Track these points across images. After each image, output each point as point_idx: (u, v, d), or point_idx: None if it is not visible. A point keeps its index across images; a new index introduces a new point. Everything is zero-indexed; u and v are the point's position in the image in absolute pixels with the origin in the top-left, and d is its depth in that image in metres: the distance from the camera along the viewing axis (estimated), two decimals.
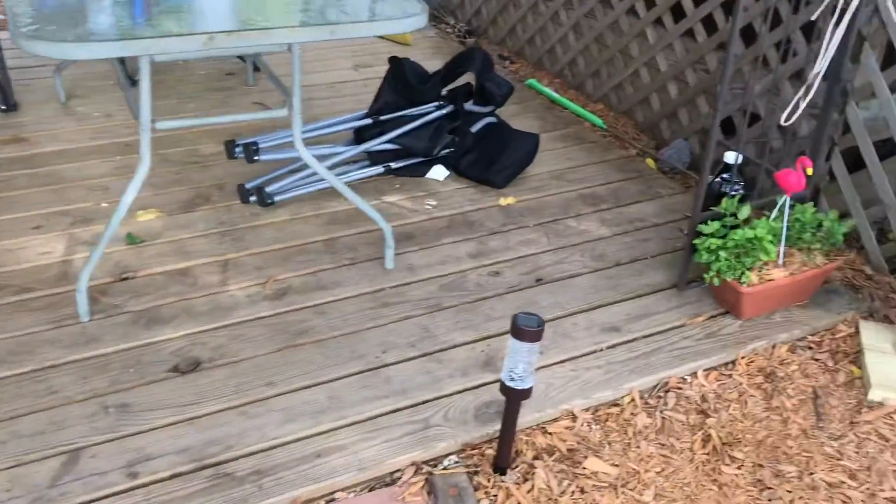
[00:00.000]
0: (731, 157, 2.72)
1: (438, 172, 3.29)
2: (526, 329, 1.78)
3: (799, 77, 2.84)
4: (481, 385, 2.22)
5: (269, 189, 2.94)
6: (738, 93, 3.26)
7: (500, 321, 2.47)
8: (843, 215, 2.96)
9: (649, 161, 3.53)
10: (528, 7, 4.40)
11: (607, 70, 3.96)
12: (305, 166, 2.83)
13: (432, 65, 4.37)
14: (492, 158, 3.26)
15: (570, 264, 2.78)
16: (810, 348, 2.46)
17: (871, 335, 2.46)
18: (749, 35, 3.12)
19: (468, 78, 3.45)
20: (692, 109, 3.51)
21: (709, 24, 3.33)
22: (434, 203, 3.12)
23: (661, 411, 2.22)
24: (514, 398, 1.88)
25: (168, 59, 2.18)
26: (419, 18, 2.19)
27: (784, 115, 2.47)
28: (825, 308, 2.59)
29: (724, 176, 2.75)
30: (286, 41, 2.13)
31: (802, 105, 2.46)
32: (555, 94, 4.10)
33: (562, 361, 2.33)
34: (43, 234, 2.79)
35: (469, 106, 3.39)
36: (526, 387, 1.86)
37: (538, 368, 2.26)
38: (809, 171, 2.40)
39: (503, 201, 3.16)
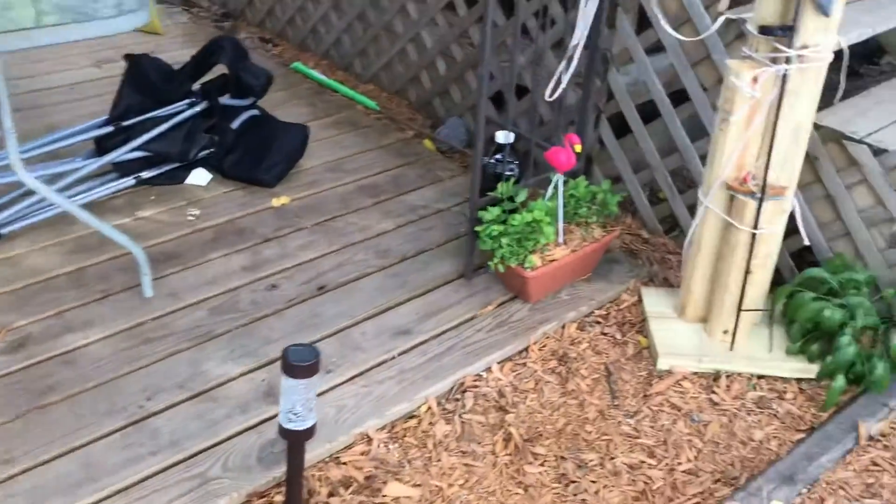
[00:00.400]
0: (501, 136, 2.64)
1: (200, 177, 2.99)
2: (299, 365, 1.58)
3: (561, 46, 2.81)
4: (264, 420, 2.00)
5: None
6: (505, 66, 3.20)
7: (281, 342, 2.25)
8: (617, 180, 3.00)
9: (427, 142, 3.41)
10: None
11: (374, 49, 3.78)
12: None
13: (185, 54, 3.98)
14: (259, 155, 3.00)
15: (353, 266, 2.60)
16: (598, 323, 2.45)
17: (653, 301, 2.49)
18: (509, 5, 3.05)
19: (223, 69, 3.14)
20: (463, 86, 3.42)
21: None
22: (197, 212, 2.82)
23: (460, 415, 2.11)
24: (297, 440, 1.68)
25: None
26: (135, 16, 1.89)
27: (548, 91, 2.41)
28: (608, 279, 2.60)
29: (498, 156, 2.67)
30: None
31: (566, 79, 2.41)
32: (322, 78, 3.87)
33: (352, 378, 2.15)
34: None
35: (225, 100, 3.09)
36: (308, 426, 1.66)
37: (326, 391, 2.08)
38: (578, 147, 2.36)
39: (276, 202, 2.92)
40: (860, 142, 2.30)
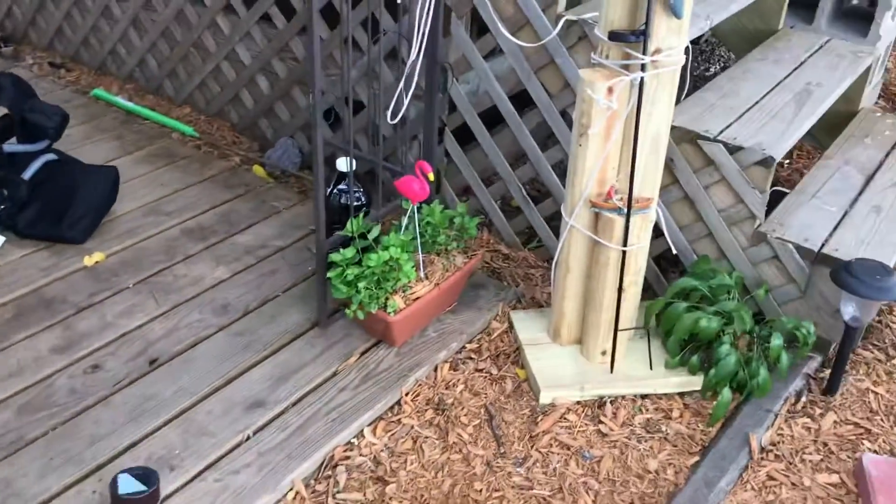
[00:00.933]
0: (343, 163, 2.38)
1: None
2: (133, 499, 1.28)
3: (395, 56, 2.57)
4: None
5: None
6: (334, 79, 2.94)
7: (111, 438, 1.90)
8: (467, 191, 2.83)
9: (257, 168, 3.09)
10: (70, 2, 3.63)
11: (185, 68, 3.40)
12: None
13: None
14: (60, 208, 2.58)
15: (188, 329, 2.27)
16: (471, 359, 2.26)
17: (525, 326, 2.33)
18: (333, 16, 2.78)
19: (4, 111, 2.68)
20: (290, 103, 3.12)
21: (285, 6, 2.93)
22: None
23: (334, 496, 1.85)
24: None
25: None
26: None
27: (390, 113, 2.18)
28: (475, 307, 2.41)
29: (342, 186, 2.41)
30: None
31: (407, 98, 2.18)
32: (129, 104, 3.44)
33: (202, 472, 1.84)
34: None
35: (12, 147, 2.64)
36: None
37: (171, 495, 1.75)
38: (431, 176, 2.15)
39: (89, 260, 2.52)
40: (715, 140, 2.23)
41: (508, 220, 2.74)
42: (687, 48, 2.06)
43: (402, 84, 2.16)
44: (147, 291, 2.41)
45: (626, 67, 1.91)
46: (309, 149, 3.11)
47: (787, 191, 2.85)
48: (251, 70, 3.15)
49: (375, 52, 2.73)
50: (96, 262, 2.52)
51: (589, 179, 2.03)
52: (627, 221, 1.99)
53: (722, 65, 4.21)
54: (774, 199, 2.38)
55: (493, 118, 2.63)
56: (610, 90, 1.91)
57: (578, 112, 1.98)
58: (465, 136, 2.72)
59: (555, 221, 2.66)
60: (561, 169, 2.51)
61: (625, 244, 2.02)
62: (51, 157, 2.71)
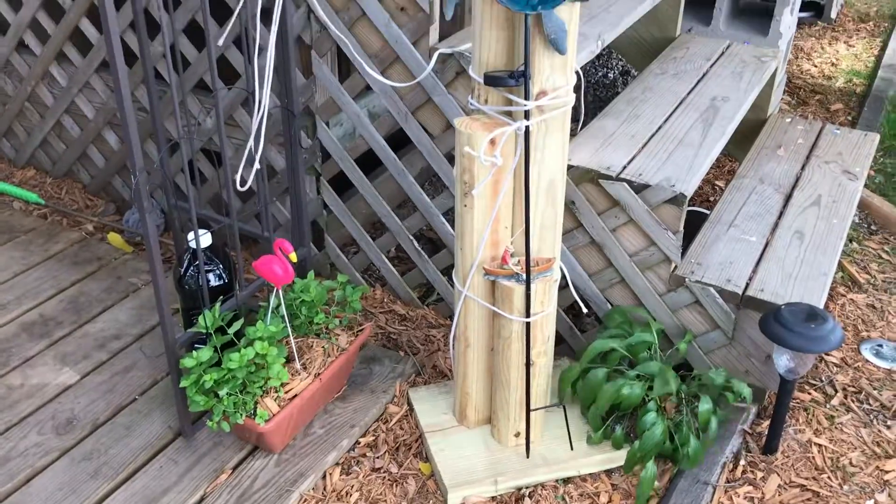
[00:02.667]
0: (192, 238, 2.02)
1: None
2: None
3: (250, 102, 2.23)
4: None
5: None
6: (192, 129, 2.57)
7: None
8: (353, 242, 2.51)
9: (112, 237, 2.70)
10: None
11: (22, 126, 2.97)
12: None
13: None
14: None
15: (22, 458, 1.88)
16: (366, 457, 1.94)
17: (427, 408, 2.03)
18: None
19: None
20: (144, 158, 2.72)
21: (125, 50, 2.54)
22: None
23: None
24: None
25: None
26: None
27: (238, 179, 1.84)
28: (368, 389, 2.10)
29: (195, 267, 2.05)
30: None
31: (256, 161, 1.85)
32: None
33: None
34: None
35: None
36: None
37: None
38: (293, 256, 1.82)
39: None
40: (618, 179, 1.96)
41: (402, 274, 2.44)
42: (577, 73, 1.79)
43: (250, 141, 1.82)
44: None
45: (509, 114, 1.62)
46: (168, 204, 2.73)
47: (702, 210, 2.63)
48: (97, 124, 2.75)
49: (230, 99, 2.38)
50: None
51: (479, 243, 1.73)
52: (528, 289, 1.71)
53: (621, 68, 4.00)
54: (689, 220, 2.14)
55: (374, 160, 2.32)
56: (492, 143, 1.62)
57: (459, 168, 1.68)
58: (345, 184, 2.40)
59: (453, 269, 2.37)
60: (453, 218, 2.23)
61: (528, 314, 1.74)
62: None
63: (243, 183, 1.86)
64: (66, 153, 2.91)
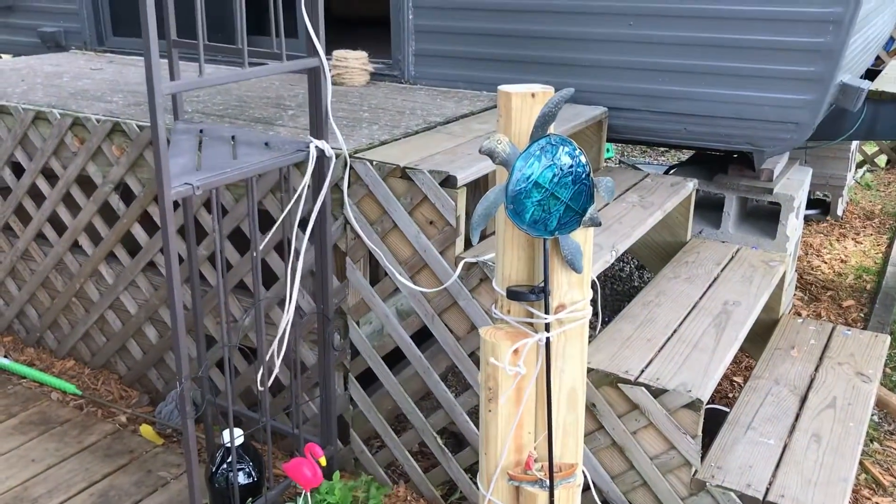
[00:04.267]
0: (226, 436, 2.10)
1: None
2: None
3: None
4: None
5: None
6: (232, 327, 2.71)
7: None
8: (377, 437, 2.56)
9: (144, 429, 2.77)
10: None
11: (67, 319, 3.13)
12: None
13: None
14: None
15: None
16: None
17: None
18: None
19: None
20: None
21: None
22: None
23: None
24: None
25: None
26: None
27: (259, 378, 1.94)
28: None
29: (227, 465, 2.11)
30: None
31: (279, 360, 1.96)
32: (4, 361, 3.13)
33: None
34: None
35: None
36: None
37: None
38: (322, 461, 1.89)
39: None
40: (636, 383, 2.05)
41: (426, 471, 2.47)
42: (594, 284, 1.92)
43: (274, 345, 1.94)
44: None
45: (531, 324, 1.74)
46: (202, 402, 2.82)
47: (721, 408, 2.68)
48: (138, 319, 2.91)
49: (268, 297, 2.54)
50: None
51: (503, 448, 1.80)
52: (552, 496, 1.75)
53: (636, 263, 4.17)
54: (708, 416, 2.18)
55: (399, 355, 2.43)
56: (516, 353, 1.72)
57: (484, 375, 1.78)
58: (371, 378, 2.49)
59: (477, 468, 2.40)
60: (478, 417, 2.29)
61: None
62: None
63: (263, 382, 1.97)
64: (107, 346, 3.04)
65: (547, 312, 1.70)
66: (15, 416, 2.82)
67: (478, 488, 1.90)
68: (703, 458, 2.08)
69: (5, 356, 3.18)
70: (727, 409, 2.50)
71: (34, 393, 2.98)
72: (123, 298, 2.92)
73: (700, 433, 2.01)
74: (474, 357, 2.27)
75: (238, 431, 2.08)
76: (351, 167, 2.26)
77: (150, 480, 2.52)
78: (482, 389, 1.80)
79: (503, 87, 1.66)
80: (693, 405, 1.98)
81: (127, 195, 2.78)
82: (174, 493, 2.46)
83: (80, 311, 3.07)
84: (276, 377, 2.47)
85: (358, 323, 2.44)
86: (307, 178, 1.93)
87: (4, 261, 3.20)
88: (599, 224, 1.68)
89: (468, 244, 2.28)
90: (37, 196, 3.01)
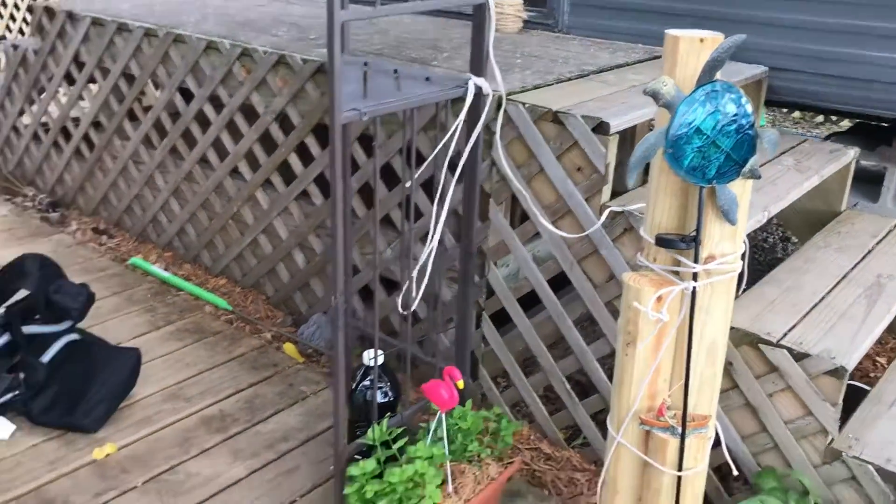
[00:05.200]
0: (367, 357, 2.21)
1: (1, 429, 2.40)
2: None
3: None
4: None
5: None
6: (370, 258, 2.83)
7: None
8: (506, 376, 2.62)
9: (288, 347, 2.95)
10: (117, 172, 3.67)
11: (223, 239, 3.35)
12: None
13: (3, 256, 3.46)
14: (76, 393, 2.45)
15: None
16: None
17: None
18: (368, 194, 2.71)
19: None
20: (325, 279, 3.01)
21: (324, 184, 2.87)
22: None
23: None
24: None
25: None
26: None
27: (400, 303, 2.03)
28: None
29: (368, 381, 2.23)
30: None
31: (420, 291, 2.04)
32: (165, 274, 3.39)
33: None
34: None
35: (35, 328, 2.55)
36: None
37: None
38: (460, 384, 1.97)
39: (98, 453, 2.36)
40: (778, 345, 2.01)
41: (551, 413, 2.52)
42: (745, 241, 1.89)
43: (414, 273, 2.02)
44: (155, 492, 2.22)
45: (676, 273, 1.74)
46: (343, 322, 2.97)
47: (862, 385, 2.58)
48: (288, 245, 3.08)
49: (410, 233, 2.63)
50: (107, 455, 2.36)
51: (638, 393, 1.82)
52: (683, 442, 1.76)
53: (780, 234, 4.03)
54: (849, 394, 2.12)
55: (533, 299, 2.47)
56: (659, 300, 1.73)
57: (624, 319, 1.80)
58: (503, 319, 2.55)
59: (602, 416, 2.44)
60: (608, 365, 2.32)
61: (680, 468, 1.78)
62: (73, 337, 2.62)
63: (406, 308, 2.05)
64: (257, 267, 3.24)
65: (696, 262, 1.69)
66: (173, 324, 3.06)
67: (603, 436, 1.93)
68: (839, 429, 2.03)
69: (166, 269, 3.44)
70: (868, 388, 2.41)
71: (190, 305, 3.21)
72: (276, 223, 3.09)
73: (840, 402, 1.96)
74: (610, 306, 2.29)
75: (381, 352, 2.19)
76: (503, 109, 2.29)
77: (292, 393, 2.69)
78: (621, 333, 1.82)
79: (671, 31, 1.64)
80: (836, 372, 1.93)
81: (286, 125, 2.93)
82: (312, 406, 2.62)
83: (235, 233, 3.27)
84: (414, 311, 2.57)
85: (496, 264, 2.50)
86: (463, 114, 1.98)
87: (170, 181, 3.44)
88: (759, 177, 1.65)
89: (614, 194, 2.28)
90: (203, 122, 3.21)
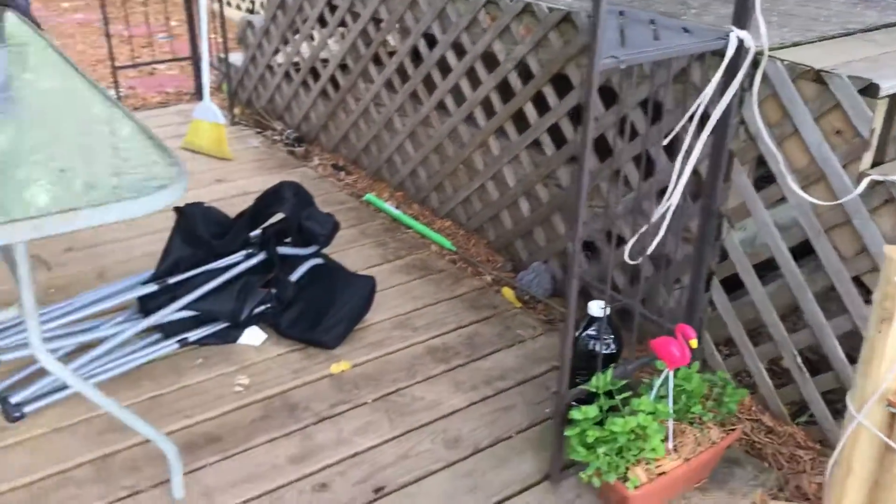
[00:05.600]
0: (596, 308, 2.24)
1: (253, 336, 2.68)
2: None
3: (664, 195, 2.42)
4: None
5: (16, 398, 2.23)
6: (598, 211, 2.84)
7: None
8: (729, 343, 2.55)
9: (506, 291, 3.04)
10: (359, 113, 3.90)
11: (451, 183, 3.48)
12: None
13: (253, 183, 3.82)
14: (319, 312, 2.68)
15: (417, 458, 2.21)
16: None
17: None
18: (603, 147, 2.70)
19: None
20: (548, 229, 3.05)
21: (556, 134, 2.90)
22: (246, 382, 2.49)
23: None
24: None
25: None
26: (168, 193, 1.60)
27: (626, 252, 2.02)
28: (727, 489, 2.13)
29: (592, 331, 2.26)
30: None
31: (652, 244, 2.01)
32: (396, 212, 3.58)
33: None
34: None
35: (286, 250, 2.81)
36: None
37: None
38: (693, 343, 1.94)
39: (335, 368, 2.57)
40: None
41: (777, 387, 2.43)
42: None
43: (644, 227, 1.99)
44: (383, 410, 2.40)
45: None
46: (561, 277, 3.02)
47: None
48: (514, 192, 3.14)
49: (645, 189, 2.60)
50: (342, 371, 2.56)
51: (887, 372, 1.71)
52: None
53: None
54: None
55: (766, 266, 2.37)
56: None
57: (881, 294, 1.69)
58: (733, 285, 2.48)
59: (832, 396, 2.32)
60: (849, 344, 2.19)
61: None
62: (318, 261, 2.85)
63: (634, 257, 2.04)
64: (482, 212, 3.34)
65: None
66: (402, 259, 3.25)
67: (833, 415, 1.83)
68: None
69: (397, 207, 3.63)
70: None
71: (417, 243, 3.38)
72: (505, 171, 3.16)
73: None
74: (857, 281, 2.15)
75: (602, 303, 2.21)
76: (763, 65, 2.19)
77: (509, 335, 2.77)
78: (876, 309, 1.71)
79: None
80: None
81: (524, 74, 2.97)
82: (529, 350, 2.69)
83: (464, 178, 3.39)
84: (638, 269, 2.55)
85: (733, 226, 2.42)
86: (723, 67, 1.92)
87: (407, 125, 3.61)
88: None
89: (875, 162, 2.13)
90: (444, 68, 3.32)
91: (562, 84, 2.86)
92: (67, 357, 2.44)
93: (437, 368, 2.59)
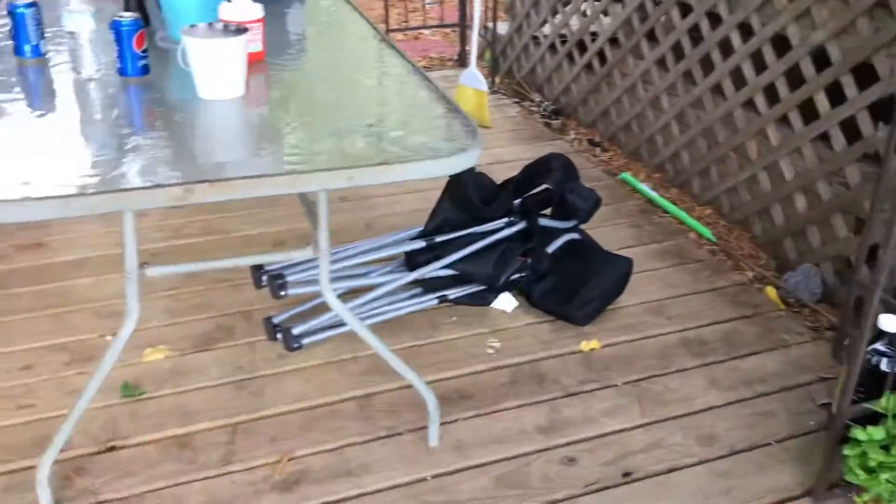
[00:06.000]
0: (888, 322, 2.04)
1: (506, 302, 2.72)
2: None
3: None
4: None
5: (297, 330, 2.43)
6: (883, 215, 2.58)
7: None
8: None
9: (769, 291, 2.86)
10: (624, 89, 3.81)
11: (718, 170, 3.32)
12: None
13: (509, 152, 3.88)
14: (572, 288, 2.67)
15: (668, 450, 2.15)
16: None
17: None
18: None
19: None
20: (825, 230, 2.83)
21: (849, 128, 2.66)
22: (497, 345, 2.55)
23: None
24: None
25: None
26: (466, 156, 1.64)
27: None
28: None
29: (880, 346, 2.07)
30: (281, 192, 1.61)
31: None
32: (653, 194, 3.48)
33: None
34: (31, 378, 2.36)
35: (546, 221, 2.82)
36: None
37: None
38: None
39: (585, 346, 2.56)
40: None
41: None
42: None
43: None
44: (634, 395, 2.35)
45: None
46: (832, 282, 2.79)
47: None
48: (790, 186, 2.94)
49: None
50: (591, 350, 2.55)
51: None
52: None
53: None
54: None
55: None
56: None
57: None
58: None
59: None
60: None
61: None
62: (574, 236, 2.84)
63: None
64: (749, 203, 3.16)
65: None
66: (658, 244, 3.16)
67: None
68: None
69: (653, 189, 3.53)
70: None
71: (674, 228, 3.27)
72: (782, 162, 2.96)
73: None
74: None
75: (892, 317, 2.01)
76: None
77: (771, 338, 2.61)
78: None
79: None
80: None
81: (819, 61, 2.75)
82: (794, 357, 2.52)
83: (733, 166, 3.22)
84: None
85: None
86: None
87: (675, 105, 3.48)
88: None
89: None
90: (725, 49, 3.16)
91: (863, 74, 2.62)
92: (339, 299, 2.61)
93: (691, 362, 2.50)
